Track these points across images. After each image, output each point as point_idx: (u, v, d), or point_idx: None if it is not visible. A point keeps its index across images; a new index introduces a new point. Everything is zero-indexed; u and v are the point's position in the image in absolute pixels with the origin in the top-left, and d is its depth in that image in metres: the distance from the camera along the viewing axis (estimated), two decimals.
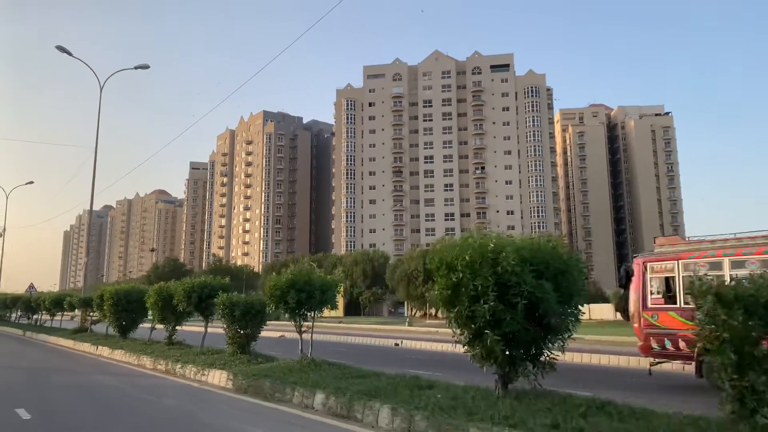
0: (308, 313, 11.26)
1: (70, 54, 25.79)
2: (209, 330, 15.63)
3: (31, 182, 47.06)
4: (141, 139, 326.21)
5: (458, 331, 7.19)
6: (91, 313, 23.03)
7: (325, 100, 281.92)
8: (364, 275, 77.24)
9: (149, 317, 18.91)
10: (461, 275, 6.79)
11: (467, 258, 6.78)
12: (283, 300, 10.85)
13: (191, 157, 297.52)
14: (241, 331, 12.44)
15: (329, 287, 11.17)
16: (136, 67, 26.72)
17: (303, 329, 11.49)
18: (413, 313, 73.46)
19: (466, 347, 7.17)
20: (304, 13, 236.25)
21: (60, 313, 29.17)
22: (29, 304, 31.58)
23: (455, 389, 7.72)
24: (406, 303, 73.71)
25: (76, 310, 27.29)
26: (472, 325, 6.81)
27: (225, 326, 12.79)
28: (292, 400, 8.94)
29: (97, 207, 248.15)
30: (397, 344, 25.01)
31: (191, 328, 18.31)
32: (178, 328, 16.38)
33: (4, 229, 46.70)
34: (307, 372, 9.83)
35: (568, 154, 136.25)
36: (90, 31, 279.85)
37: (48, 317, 32.28)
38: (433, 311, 70.10)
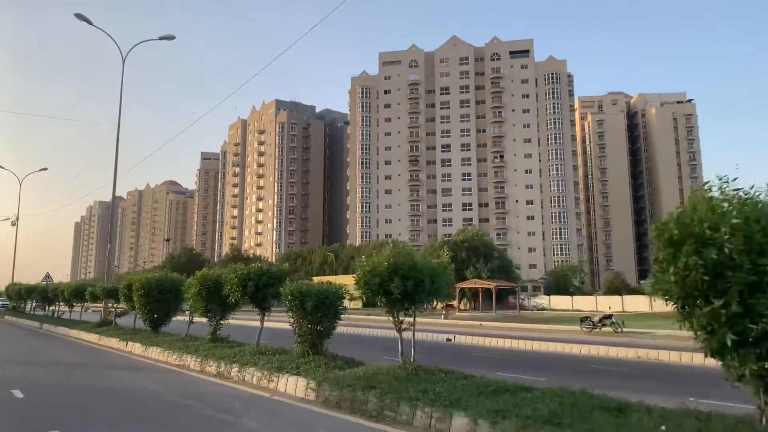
0: (411, 307, 9.05)
1: (89, 22, 23.60)
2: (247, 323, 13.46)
3: (45, 168, 45.28)
4: (151, 130, 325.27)
5: (704, 335, 4.84)
6: (116, 305, 21.00)
7: (338, 89, 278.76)
8: None
9: (184, 309, 16.84)
10: (729, 250, 4.42)
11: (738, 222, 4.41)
12: (383, 290, 8.63)
13: (202, 148, 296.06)
14: (313, 327, 10.24)
15: (439, 274, 9.07)
16: (160, 38, 24.56)
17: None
18: (436, 305, 71.29)
19: (718, 359, 4.83)
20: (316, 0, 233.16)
21: (81, 304, 27.16)
22: (46, 294, 29.65)
23: (673, 415, 5.45)
24: None
25: (98, 301, 25.31)
26: (744, 328, 4.47)
27: (292, 321, 10.60)
28: (413, 422, 6.78)
29: (107, 198, 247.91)
30: (449, 339, 22.90)
31: (234, 321, 16.13)
32: (222, 321, 14.27)
33: (17, 218, 44.92)
34: (423, 383, 7.60)
35: (587, 142, 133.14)
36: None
37: (65, 308, 30.40)
38: (462, 305, 68.04)
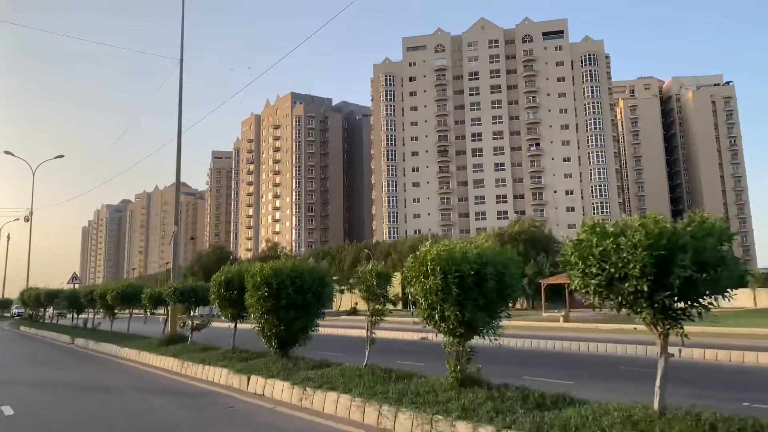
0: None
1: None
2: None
3: (61, 156, 39.34)
4: (160, 131, 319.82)
5: None
6: (194, 313, 14.78)
7: (355, 81, 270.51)
8: None
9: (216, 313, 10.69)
10: None
11: None
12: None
13: (211, 148, 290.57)
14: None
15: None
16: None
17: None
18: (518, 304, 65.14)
19: None
20: None
21: (129, 311, 20.54)
22: (76, 299, 23.54)
23: None
24: None
25: (158, 307, 19.20)
26: None
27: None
28: None
29: (114, 201, 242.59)
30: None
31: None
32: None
33: (30, 212, 39.04)
34: None
35: (620, 130, 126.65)
36: None
37: (99, 316, 24.52)
38: (519, 304, 61.94)
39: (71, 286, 27.23)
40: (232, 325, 13.00)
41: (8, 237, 55.96)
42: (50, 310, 35.81)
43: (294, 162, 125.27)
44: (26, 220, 38.75)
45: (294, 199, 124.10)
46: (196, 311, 14.90)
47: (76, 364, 15.20)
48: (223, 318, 13.26)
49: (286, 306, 9.63)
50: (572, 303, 59.73)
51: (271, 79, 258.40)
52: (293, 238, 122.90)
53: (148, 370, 13.31)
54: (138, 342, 16.51)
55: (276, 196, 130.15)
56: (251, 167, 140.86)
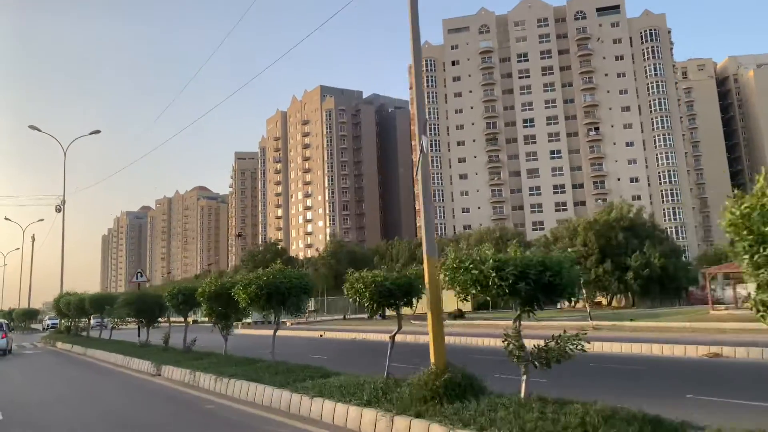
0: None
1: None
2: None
3: (97, 131, 32.32)
4: (179, 135, 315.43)
5: None
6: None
7: (385, 72, 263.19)
8: None
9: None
10: None
11: None
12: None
13: (231, 150, 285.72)
14: None
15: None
16: None
17: None
18: (573, 303, 57.16)
19: None
20: None
21: (230, 322, 13.16)
22: (150, 304, 16.07)
23: None
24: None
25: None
26: None
27: None
28: None
29: (134, 208, 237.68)
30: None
31: None
32: None
33: (63, 201, 32.03)
34: None
35: None
36: None
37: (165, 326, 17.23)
38: (603, 299, 54.00)
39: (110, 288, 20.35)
40: None
41: (33, 238, 49.24)
42: (83, 322, 28.79)
43: (325, 158, 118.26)
44: (58, 210, 31.88)
45: (327, 198, 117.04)
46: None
47: None
48: None
49: None
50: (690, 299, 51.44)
51: (294, 76, 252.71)
52: (327, 238, 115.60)
53: None
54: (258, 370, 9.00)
55: (307, 195, 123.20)
56: (279, 166, 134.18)
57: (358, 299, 9.02)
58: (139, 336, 17.99)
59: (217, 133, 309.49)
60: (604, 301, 54.11)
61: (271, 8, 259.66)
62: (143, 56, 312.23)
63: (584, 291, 53.97)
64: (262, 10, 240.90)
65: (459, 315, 35.74)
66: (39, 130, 31.36)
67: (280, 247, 58.84)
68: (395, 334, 9.19)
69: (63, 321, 30.34)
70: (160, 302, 16.18)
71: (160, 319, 17.69)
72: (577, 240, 51.09)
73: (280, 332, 11.48)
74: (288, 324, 40.92)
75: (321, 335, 27.35)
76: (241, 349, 16.17)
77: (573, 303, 56.89)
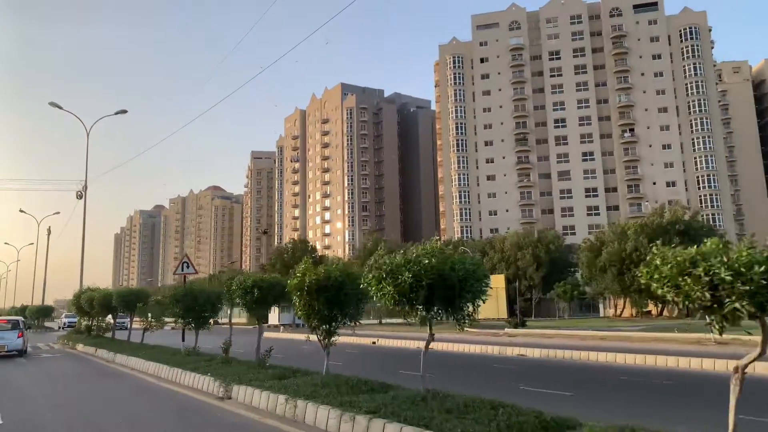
0: None
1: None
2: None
3: (123, 111, 29.32)
4: (193, 134, 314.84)
5: None
6: None
7: (407, 71, 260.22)
8: (537, 262, 57.61)
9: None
10: None
11: None
12: None
13: (246, 150, 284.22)
14: None
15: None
16: None
17: None
18: (619, 311, 53.63)
19: None
20: None
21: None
22: (199, 302, 12.74)
23: None
24: (609, 299, 54.13)
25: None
26: None
27: None
28: None
29: (148, 207, 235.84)
30: None
31: None
32: None
33: (85, 187, 29.02)
34: None
35: None
36: None
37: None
38: (654, 309, 50.29)
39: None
40: None
41: (48, 230, 46.39)
42: (106, 321, 25.71)
43: (345, 158, 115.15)
44: (79, 196, 28.87)
45: (346, 198, 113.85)
46: None
47: None
48: None
49: None
50: None
51: (313, 75, 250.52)
52: (346, 239, 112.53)
53: None
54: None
55: (325, 196, 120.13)
56: (297, 165, 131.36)
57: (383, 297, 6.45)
58: (183, 341, 14.70)
59: (232, 134, 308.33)
60: (654, 311, 50.40)
61: (300, 3, 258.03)
62: (160, 55, 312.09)
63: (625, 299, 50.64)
64: (288, 5, 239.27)
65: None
66: (60, 108, 28.42)
67: (309, 245, 55.19)
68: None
69: (82, 319, 27.27)
70: (213, 299, 12.95)
71: (217, 320, 14.49)
72: (627, 244, 47.59)
73: (313, 337, 8.48)
74: None
75: (374, 342, 24.04)
76: (309, 361, 12.87)
77: (619, 311, 53.27)
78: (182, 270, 14.92)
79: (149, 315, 17.03)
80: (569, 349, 17.91)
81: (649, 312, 50.25)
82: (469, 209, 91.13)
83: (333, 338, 8.59)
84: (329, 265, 8.47)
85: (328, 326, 8.29)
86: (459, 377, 13.11)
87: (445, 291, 6.23)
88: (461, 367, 15.80)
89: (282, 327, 41.55)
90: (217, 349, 13.15)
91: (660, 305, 49.30)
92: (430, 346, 7.25)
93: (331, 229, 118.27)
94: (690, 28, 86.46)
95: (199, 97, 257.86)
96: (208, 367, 10.88)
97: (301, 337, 28.06)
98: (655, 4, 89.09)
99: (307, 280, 7.98)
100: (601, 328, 30.92)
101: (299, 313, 8.37)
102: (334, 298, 7.93)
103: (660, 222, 47.65)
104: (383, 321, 45.06)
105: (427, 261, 6.22)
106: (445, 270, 6.20)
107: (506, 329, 30.16)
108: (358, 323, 8.79)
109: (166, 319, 17.97)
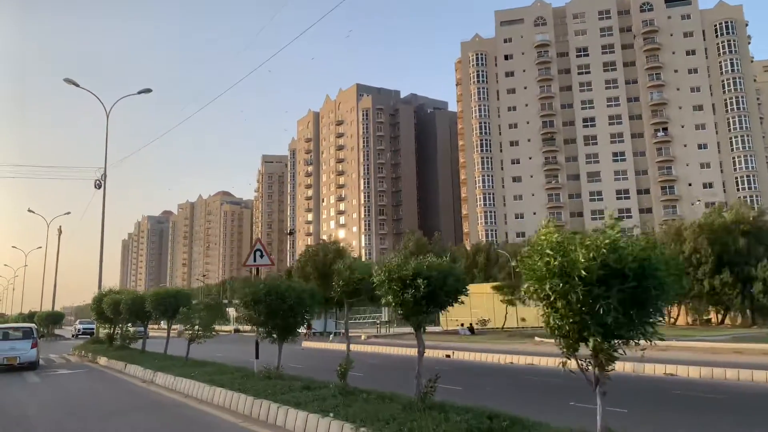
0: None
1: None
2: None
3: (148, 90, 25.79)
4: (201, 138, 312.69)
5: None
6: None
7: (422, 73, 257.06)
8: None
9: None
10: None
11: None
12: None
13: (258, 155, 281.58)
14: None
15: None
16: None
17: None
18: (672, 319, 49.39)
19: None
20: None
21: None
22: (288, 303, 9.14)
23: None
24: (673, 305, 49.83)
25: None
26: None
27: None
28: None
29: (156, 212, 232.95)
30: None
31: None
32: None
33: (104, 175, 25.51)
34: None
35: None
36: None
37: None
38: (715, 316, 46.20)
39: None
40: None
41: (59, 230, 42.89)
42: (131, 329, 22.13)
43: (361, 160, 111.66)
44: (98, 186, 25.39)
45: (362, 202, 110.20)
46: None
47: None
48: None
49: None
50: None
51: (325, 77, 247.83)
52: (362, 244, 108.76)
53: None
54: None
55: (340, 199, 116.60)
56: (310, 168, 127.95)
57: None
58: (257, 357, 10.81)
59: (241, 139, 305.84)
60: (715, 319, 46.28)
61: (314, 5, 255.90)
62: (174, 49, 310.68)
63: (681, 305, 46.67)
64: (301, 8, 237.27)
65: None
66: (77, 85, 24.93)
67: (341, 246, 51.76)
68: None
69: (102, 326, 23.56)
70: (306, 300, 9.19)
71: (303, 329, 10.77)
72: (684, 246, 43.55)
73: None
74: (363, 337, 33.89)
75: (448, 356, 20.23)
76: (389, 381, 9.19)
77: (674, 320, 49.17)
78: (254, 260, 11.21)
79: (194, 321, 13.26)
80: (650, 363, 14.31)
81: (709, 320, 46.16)
82: (494, 212, 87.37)
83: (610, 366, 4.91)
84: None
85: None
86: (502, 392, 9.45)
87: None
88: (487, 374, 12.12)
89: (332, 335, 38.08)
90: (290, 367, 9.34)
91: (722, 312, 45.27)
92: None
93: (345, 234, 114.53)
94: (726, 22, 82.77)
95: (208, 97, 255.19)
96: (324, 404, 7.09)
97: (373, 349, 24.16)
98: None
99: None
100: (677, 337, 26.90)
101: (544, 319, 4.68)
102: None
103: (723, 222, 43.65)
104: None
105: None
106: None
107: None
108: None
109: (221, 327, 14.33)
